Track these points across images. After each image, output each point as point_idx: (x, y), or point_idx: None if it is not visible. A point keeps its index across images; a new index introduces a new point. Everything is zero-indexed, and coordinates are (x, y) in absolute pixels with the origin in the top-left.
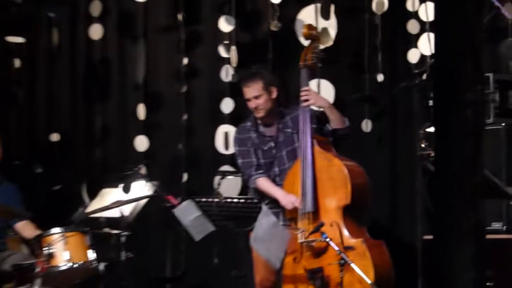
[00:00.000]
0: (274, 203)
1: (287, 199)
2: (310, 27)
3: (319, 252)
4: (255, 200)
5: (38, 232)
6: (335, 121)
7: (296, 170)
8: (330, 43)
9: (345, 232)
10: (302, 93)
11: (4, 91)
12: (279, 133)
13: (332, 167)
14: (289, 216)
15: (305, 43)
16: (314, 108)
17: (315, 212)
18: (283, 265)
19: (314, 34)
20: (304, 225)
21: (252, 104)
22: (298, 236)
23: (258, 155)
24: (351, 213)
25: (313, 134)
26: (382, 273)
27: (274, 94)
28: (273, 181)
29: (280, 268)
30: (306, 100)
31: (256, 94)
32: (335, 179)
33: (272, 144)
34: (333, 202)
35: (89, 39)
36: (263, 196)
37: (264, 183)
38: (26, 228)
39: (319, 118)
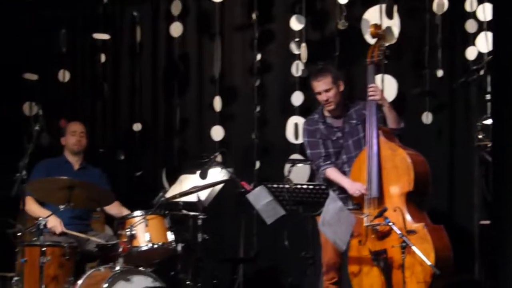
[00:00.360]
0: (341, 190)
1: (354, 187)
2: (376, 26)
3: (383, 235)
4: (323, 187)
5: (125, 211)
6: (392, 121)
7: (362, 158)
8: (393, 41)
9: (408, 217)
10: (369, 89)
11: (91, 84)
12: (344, 124)
13: (396, 156)
14: (356, 202)
15: (371, 41)
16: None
17: (380, 198)
18: (349, 247)
19: (380, 33)
20: (369, 210)
21: (323, 97)
22: (363, 220)
23: (327, 145)
24: (413, 199)
25: (379, 125)
26: (442, 256)
27: (342, 88)
28: (341, 168)
29: (345, 250)
30: (373, 96)
31: (326, 87)
32: (399, 167)
33: (339, 134)
34: (396, 189)
35: (170, 36)
36: (331, 184)
37: (332, 173)
38: (115, 208)
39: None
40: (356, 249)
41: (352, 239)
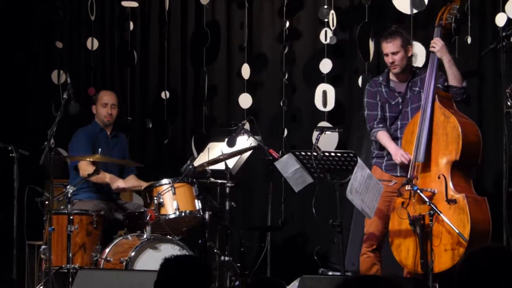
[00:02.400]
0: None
1: (399, 153)
2: None
3: (424, 201)
4: (351, 154)
5: (143, 183)
6: (453, 77)
7: (416, 120)
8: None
9: (451, 186)
10: (432, 42)
11: (119, 52)
12: (407, 90)
13: (448, 123)
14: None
15: (401, 8)
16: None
17: (426, 163)
18: (391, 212)
19: None
20: (414, 173)
21: (389, 59)
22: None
23: (384, 109)
24: (460, 168)
25: (437, 89)
26: (478, 228)
27: (410, 53)
28: (394, 134)
29: (386, 218)
30: (433, 48)
31: (394, 50)
32: (449, 134)
33: (400, 99)
34: (443, 157)
35: (198, 4)
36: (382, 148)
37: (382, 137)
38: (131, 181)
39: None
40: (398, 215)
41: (396, 199)
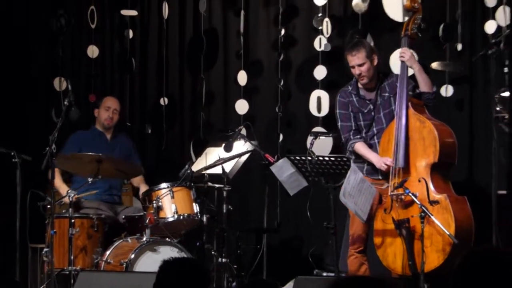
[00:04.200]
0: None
1: (381, 161)
2: (412, 0)
3: (407, 204)
4: (345, 158)
5: (144, 187)
6: (424, 84)
7: (391, 129)
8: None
9: (431, 188)
10: (400, 52)
11: (119, 60)
12: (377, 96)
13: (424, 128)
14: (385, 172)
15: (394, 16)
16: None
17: (406, 168)
18: (374, 218)
19: (416, 6)
20: (394, 180)
21: (356, 71)
22: (389, 190)
23: (358, 118)
24: (438, 171)
25: (409, 97)
26: (462, 226)
27: (375, 62)
28: (371, 140)
29: (371, 222)
30: (402, 57)
31: (360, 62)
32: (426, 138)
33: (371, 106)
34: (422, 160)
35: (196, 12)
36: (359, 157)
37: (360, 148)
38: (138, 182)
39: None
40: (381, 219)
41: (380, 207)
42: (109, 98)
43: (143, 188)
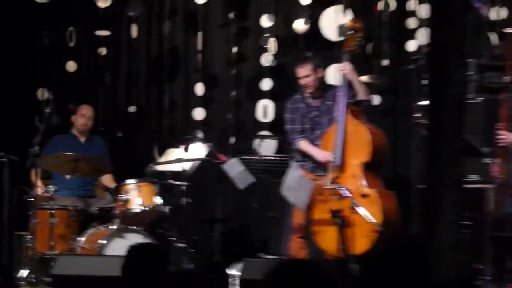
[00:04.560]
0: (313, 160)
1: (322, 155)
2: (354, 20)
3: (341, 197)
4: (287, 157)
5: (115, 183)
6: (361, 93)
7: (331, 132)
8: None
9: (363, 183)
10: (341, 66)
11: (94, 73)
12: (321, 104)
13: (359, 132)
14: (325, 167)
15: (330, 36)
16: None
17: (342, 166)
18: (314, 207)
19: (357, 26)
20: (332, 175)
21: (303, 82)
22: (326, 184)
23: (304, 122)
24: (370, 168)
25: (348, 105)
26: (389, 217)
27: (320, 74)
28: (315, 141)
29: (310, 211)
30: (343, 70)
31: (306, 74)
32: (360, 141)
33: (316, 113)
34: (356, 159)
35: (161, 33)
36: (304, 154)
37: (304, 145)
38: (108, 180)
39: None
40: (319, 209)
41: (318, 199)
42: (85, 106)
43: (112, 184)
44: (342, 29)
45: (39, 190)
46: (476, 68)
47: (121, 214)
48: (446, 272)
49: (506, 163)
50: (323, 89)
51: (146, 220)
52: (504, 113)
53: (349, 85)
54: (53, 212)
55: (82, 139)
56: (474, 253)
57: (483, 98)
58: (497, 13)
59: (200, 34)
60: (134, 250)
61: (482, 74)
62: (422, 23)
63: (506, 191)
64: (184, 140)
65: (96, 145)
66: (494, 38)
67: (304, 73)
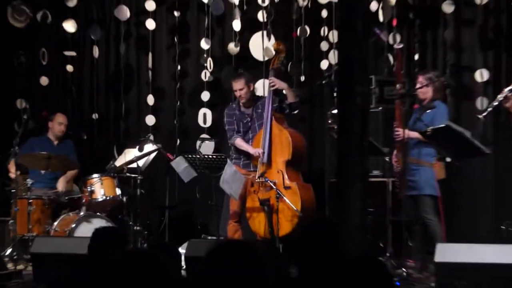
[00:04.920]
0: (247, 157)
1: (255, 151)
2: (278, 43)
3: (269, 188)
4: (223, 156)
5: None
6: (291, 97)
7: (260, 135)
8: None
9: (286, 177)
10: (269, 81)
11: (63, 86)
12: (253, 112)
13: (282, 135)
14: (254, 164)
15: (257, 56)
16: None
17: (269, 163)
18: (247, 196)
19: (281, 48)
20: (261, 170)
21: (237, 93)
22: (255, 178)
23: (239, 126)
24: (291, 165)
25: (273, 113)
26: (307, 205)
27: (251, 88)
28: (248, 142)
29: (244, 201)
30: (273, 85)
31: (240, 87)
32: (283, 142)
33: (249, 119)
34: (280, 157)
35: (118, 52)
36: (238, 152)
37: (239, 142)
38: (74, 175)
39: (280, 99)
40: (251, 198)
41: (250, 190)
42: (61, 115)
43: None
44: (267, 51)
45: (15, 177)
46: (376, 83)
47: (87, 203)
48: (354, 249)
49: (401, 154)
50: (254, 99)
51: (108, 208)
52: (398, 113)
53: (274, 95)
54: (31, 201)
55: (56, 142)
56: (377, 234)
57: (381, 108)
58: (393, 38)
59: (150, 54)
60: (98, 232)
61: (381, 88)
62: (332, 46)
63: (403, 177)
64: (138, 141)
65: (67, 146)
66: (391, 58)
67: (238, 86)
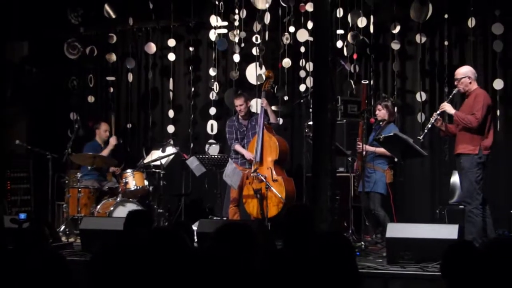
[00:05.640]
0: (243, 157)
1: (248, 154)
2: (268, 71)
3: (260, 181)
4: (226, 156)
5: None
6: (272, 118)
7: (254, 141)
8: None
9: (274, 172)
10: (261, 101)
11: (105, 103)
12: (248, 124)
13: (271, 141)
14: (250, 163)
15: (253, 81)
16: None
17: (261, 161)
18: (244, 186)
19: (271, 74)
20: (254, 167)
21: (238, 108)
22: (250, 173)
23: (237, 134)
24: (278, 164)
25: (264, 124)
26: (289, 194)
27: (249, 104)
28: (244, 147)
29: (241, 190)
30: (263, 104)
31: (241, 103)
32: (272, 146)
33: (245, 128)
34: (269, 158)
35: (147, 78)
36: (237, 154)
37: (237, 147)
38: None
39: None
40: (247, 188)
41: (246, 181)
42: (105, 124)
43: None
44: (260, 77)
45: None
46: (342, 101)
47: (122, 191)
48: (325, 227)
49: (360, 161)
50: (250, 114)
51: (138, 195)
52: (360, 131)
53: (265, 112)
54: (80, 189)
55: (102, 145)
56: (342, 216)
57: (345, 121)
58: (353, 68)
59: (171, 80)
60: (131, 214)
61: (345, 105)
62: (308, 74)
63: (360, 178)
64: (162, 145)
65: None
66: (352, 83)
67: (239, 103)
